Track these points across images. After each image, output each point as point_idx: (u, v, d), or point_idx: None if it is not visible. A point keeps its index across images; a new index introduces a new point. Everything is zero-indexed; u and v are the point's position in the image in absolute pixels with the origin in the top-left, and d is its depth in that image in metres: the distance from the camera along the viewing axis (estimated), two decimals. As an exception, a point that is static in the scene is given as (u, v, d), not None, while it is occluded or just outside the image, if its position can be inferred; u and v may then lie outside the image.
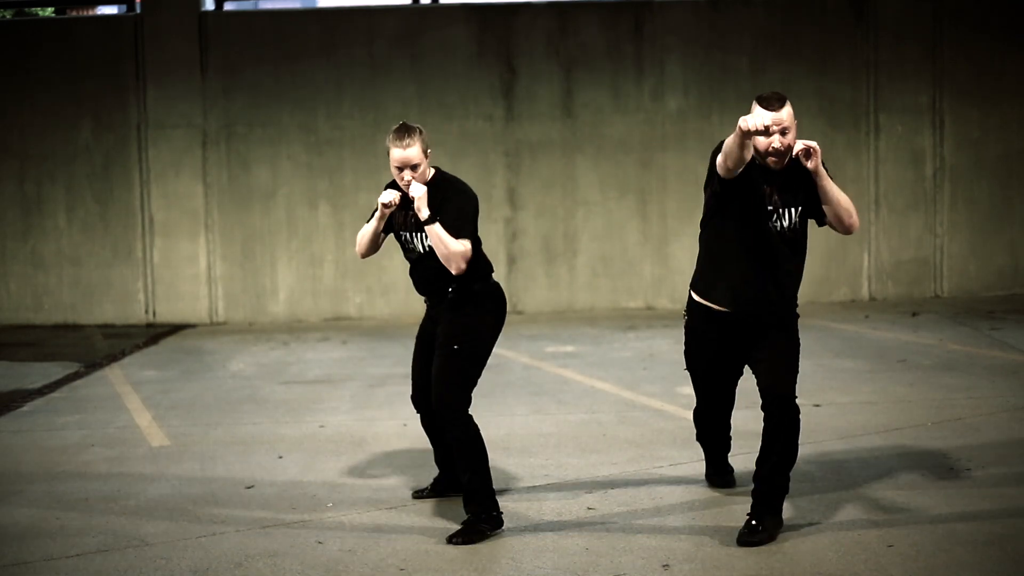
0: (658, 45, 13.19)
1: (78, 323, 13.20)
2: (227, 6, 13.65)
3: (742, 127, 5.03)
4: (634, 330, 11.75)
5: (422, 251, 5.74)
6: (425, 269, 5.77)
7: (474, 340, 5.74)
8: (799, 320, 5.67)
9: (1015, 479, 6.24)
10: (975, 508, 5.74)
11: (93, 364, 10.67)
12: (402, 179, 5.65)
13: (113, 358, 10.99)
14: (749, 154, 5.25)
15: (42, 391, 9.47)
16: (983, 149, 13.37)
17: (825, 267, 13.16)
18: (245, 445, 7.50)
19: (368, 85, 13.17)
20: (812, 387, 8.66)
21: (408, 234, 5.77)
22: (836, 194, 5.42)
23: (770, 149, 5.26)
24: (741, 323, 5.59)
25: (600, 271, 13.27)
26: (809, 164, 5.27)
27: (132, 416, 8.47)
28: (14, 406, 8.92)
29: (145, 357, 11.08)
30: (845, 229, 5.52)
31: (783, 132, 5.24)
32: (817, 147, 5.28)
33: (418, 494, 6.25)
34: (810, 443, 7.06)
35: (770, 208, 5.42)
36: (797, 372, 5.54)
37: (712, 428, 6.14)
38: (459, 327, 5.72)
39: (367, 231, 5.84)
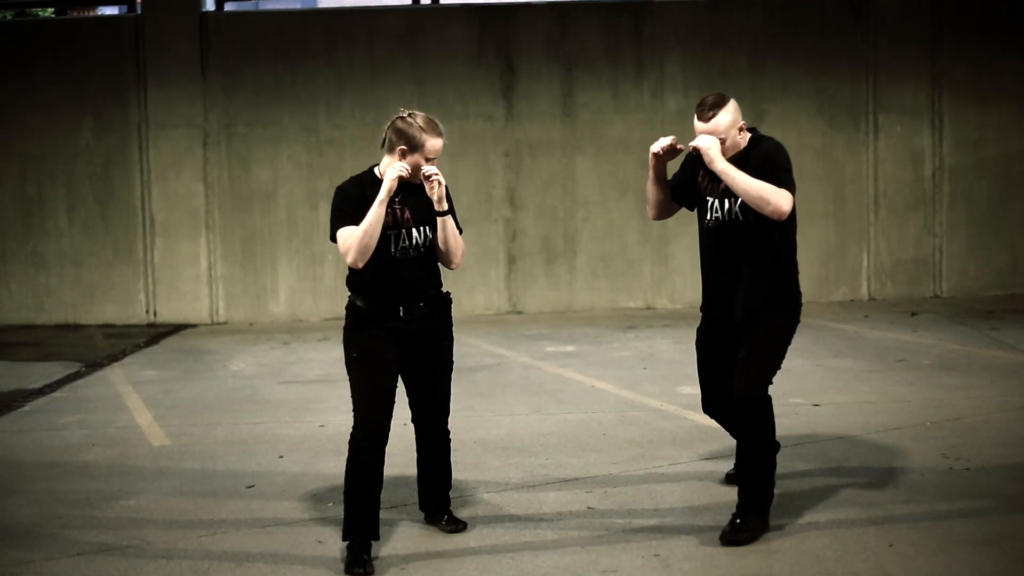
0: (658, 45, 13.19)
1: (79, 323, 13.21)
2: (227, 6, 13.65)
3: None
4: (634, 330, 11.76)
5: (420, 247, 5.33)
6: (416, 270, 5.35)
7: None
8: (798, 311, 5.62)
9: (1015, 478, 6.25)
10: (975, 508, 5.75)
11: (94, 364, 10.68)
12: (424, 173, 5.23)
13: (114, 358, 10.99)
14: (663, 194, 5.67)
15: (43, 391, 9.48)
16: (982, 149, 13.37)
17: (824, 267, 13.17)
18: (246, 445, 7.51)
19: (368, 85, 13.17)
20: (812, 387, 8.67)
21: (404, 231, 5.30)
22: (742, 186, 5.41)
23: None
24: (721, 322, 5.65)
25: (600, 271, 13.28)
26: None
27: (133, 416, 8.47)
28: (15, 406, 8.92)
29: (146, 357, 11.08)
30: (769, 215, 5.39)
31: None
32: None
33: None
34: (810, 443, 7.07)
35: (708, 199, 5.52)
36: (770, 370, 5.49)
37: (716, 418, 6.08)
38: (451, 337, 5.55)
39: (373, 223, 5.17)
